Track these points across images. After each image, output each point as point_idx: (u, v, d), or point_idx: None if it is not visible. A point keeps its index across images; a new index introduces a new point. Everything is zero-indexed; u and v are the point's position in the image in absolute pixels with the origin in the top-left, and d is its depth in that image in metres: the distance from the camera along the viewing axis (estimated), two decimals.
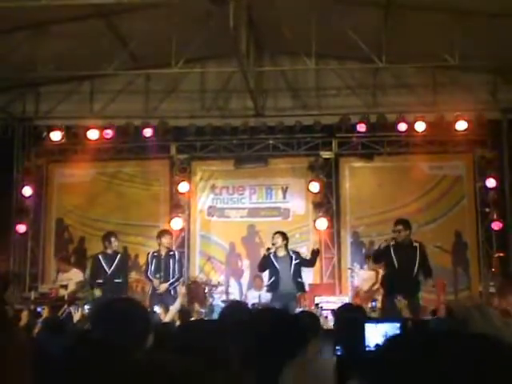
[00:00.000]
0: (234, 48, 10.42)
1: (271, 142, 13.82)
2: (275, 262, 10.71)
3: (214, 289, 13.03)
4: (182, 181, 13.76)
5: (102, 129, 13.67)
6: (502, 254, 12.75)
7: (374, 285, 11.69)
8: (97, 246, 12.50)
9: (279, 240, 10.80)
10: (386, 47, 11.20)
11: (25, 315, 8.38)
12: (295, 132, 13.65)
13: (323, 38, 11.07)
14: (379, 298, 10.52)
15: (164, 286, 11.03)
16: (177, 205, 13.81)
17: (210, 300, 12.58)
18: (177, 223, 13.52)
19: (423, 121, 13.01)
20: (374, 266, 11.81)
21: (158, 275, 11.09)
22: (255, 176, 14.02)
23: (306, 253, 11.62)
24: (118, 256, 11.43)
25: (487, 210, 13.06)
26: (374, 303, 10.02)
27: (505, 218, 13.05)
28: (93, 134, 13.65)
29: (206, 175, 14.23)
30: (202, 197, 14.19)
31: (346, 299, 11.18)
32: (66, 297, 11.37)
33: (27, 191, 13.86)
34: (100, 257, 11.35)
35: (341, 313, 4.98)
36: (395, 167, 13.76)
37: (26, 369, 2.14)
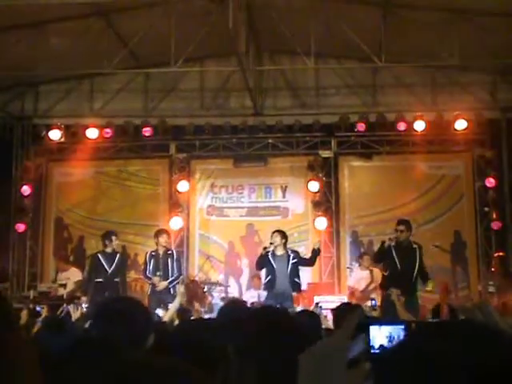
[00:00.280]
0: (233, 47, 10.42)
1: (270, 141, 13.82)
2: (272, 261, 10.66)
3: (213, 288, 13.04)
4: (181, 180, 13.76)
5: (101, 128, 13.66)
6: (501, 254, 12.76)
7: (370, 284, 11.67)
8: (96, 245, 12.51)
9: (277, 239, 10.76)
10: (386, 46, 11.20)
11: (24, 314, 8.36)
12: (294, 131, 13.65)
13: (322, 37, 11.09)
14: (378, 297, 10.50)
15: (163, 284, 11.03)
16: (176, 204, 13.80)
17: (210, 299, 12.58)
18: (176, 222, 13.52)
19: (422, 120, 13.00)
20: (369, 265, 11.80)
21: (157, 273, 11.08)
22: (254, 175, 14.02)
23: (305, 252, 11.61)
24: (118, 255, 11.41)
25: (486, 209, 13.06)
26: (374, 302, 10.01)
27: (504, 217, 13.05)
28: (92, 133, 13.64)
29: (206, 174, 14.23)
30: (201, 196, 14.19)
31: (345, 298, 11.17)
32: (64, 296, 11.38)
33: (26, 190, 13.84)
34: (100, 256, 11.31)
35: (341, 312, 4.99)
36: (394, 166, 13.76)
37: (36, 369, 2.14)
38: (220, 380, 2.27)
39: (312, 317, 5.05)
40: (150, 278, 11.19)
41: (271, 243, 10.83)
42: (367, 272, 11.91)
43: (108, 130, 13.68)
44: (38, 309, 10.18)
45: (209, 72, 13.81)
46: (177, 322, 6.58)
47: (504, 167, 13.16)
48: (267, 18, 11.44)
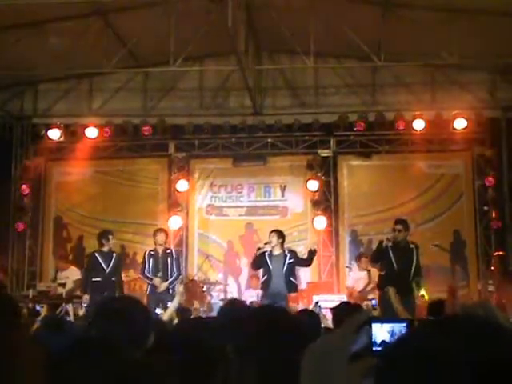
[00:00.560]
0: (232, 46, 10.42)
1: (269, 140, 13.82)
2: (268, 261, 10.59)
3: (212, 287, 13.05)
4: (181, 179, 13.75)
5: (100, 127, 13.66)
6: (500, 253, 12.76)
7: (367, 285, 11.67)
8: (95, 245, 12.49)
9: (274, 239, 10.68)
10: (385, 45, 11.20)
11: (24, 313, 8.37)
12: (293, 130, 13.65)
13: (322, 36, 11.07)
14: (376, 298, 10.49)
15: (164, 286, 11.02)
16: (175, 203, 13.80)
17: (209, 298, 12.60)
18: (175, 221, 13.52)
19: (422, 119, 12.99)
20: (366, 266, 11.80)
21: (159, 274, 11.06)
22: (253, 174, 14.02)
23: (303, 251, 11.58)
24: (115, 254, 11.36)
25: (486, 208, 13.07)
26: (373, 301, 10.01)
27: (503, 216, 13.05)
28: (91, 132, 13.64)
29: (205, 173, 14.22)
30: (200, 195, 14.19)
31: (345, 297, 11.16)
32: (64, 295, 11.38)
33: (25, 189, 13.85)
34: (97, 255, 11.27)
35: (340, 311, 4.99)
36: (394, 166, 13.75)
37: (40, 369, 2.14)
38: (220, 380, 2.27)
39: (311, 316, 5.05)
40: (149, 278, 11.15)
41: (266, 243, 10.79)
42: (365, 273, 11.91)
43: (107, 130, 13.68)
44: (37, 308, 10.20)
45: (208, 71, 13.81)
46: (176, 321, 6.58)
47: (504, 166, 13.16)
48: (266, 17, 11.44)
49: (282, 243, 10.76)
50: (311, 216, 13.64)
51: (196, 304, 11.87)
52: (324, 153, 13.79)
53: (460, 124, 12.92)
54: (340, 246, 13.72)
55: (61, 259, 13.19)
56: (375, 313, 9.61)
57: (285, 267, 10.54)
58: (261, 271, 10.94)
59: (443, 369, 1.02)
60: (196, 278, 13.07)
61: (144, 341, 2.65)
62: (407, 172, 13.52)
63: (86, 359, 1.86)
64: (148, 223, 13.63)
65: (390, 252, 9.76)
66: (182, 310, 7.79)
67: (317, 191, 13.50)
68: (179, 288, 11.43)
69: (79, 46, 11.35)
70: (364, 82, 13.58)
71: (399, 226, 9.87)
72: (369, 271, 11.70)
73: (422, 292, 10.84)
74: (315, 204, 13.60)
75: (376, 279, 11.00)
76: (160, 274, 11.07)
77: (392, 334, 2.31)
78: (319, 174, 13.57)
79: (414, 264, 9.72)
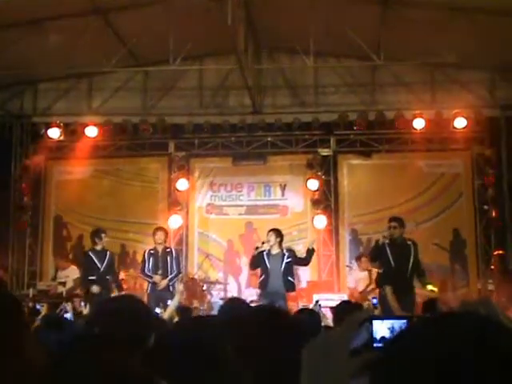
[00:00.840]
0: (232, 45, 10.42)
1: (269, 139, 13.82)
2: (266, 260, 10.58)
3: (212, 286, 13.05)
4: (181, 178, 13.75)
5: (100, 126, 13.67)
6: (500, 252, 12.76)
7: (368, 285, 11.67)
8: None
9: (272, 238, 10.67)
10: (384, 45, 11.21)
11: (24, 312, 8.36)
12: (293, 129, 13.64)
13: (321, 35, 11.08)
14: (377, 296, 10.50)
15: (165, 283, 11.01)
16: (175, 202, 13.80)
17: (209, 297, 12.60)
18: (175, 221, 13.52)
19: (421, 118, 12.99)
20: (367, 266, 11.80)
21: (159, 272, 11.06)
22: (253, 173, 14.02)
23: (303, 250, 11.58)
24: (108, 253, 11.30)
25: (485, 207, 13.06)
26: (375, 300, 10.00)
27: (503, 215, 13.05)
28: (91, 131, 13.64)
29: (205, 172, 14.23)
30: (200, 194, 14.19)
31: (345, 296, 11.16)
32: (64, 294, 11.38)
33: (25, 188, 13.86)
34: (91, 253, 11.23)
35: (341, 310, 4.99)
36: (393, 165, 13.75)
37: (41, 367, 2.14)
38: (219, 379, 2.27)
39: (312, 315, 5.05)
40: (149, 276, 11.16)
41: (263, 242, 10.79)
42: (365, 273, 11.91)
43: (107, 129, 13.69)
44: (37, 307, 10.19)
45: (208, 70, 13.81)
46: (176, 319, 6.58)
47: (503, 165, 13.15)
48: (266, 16, 11.45)
49: (281, 242, 10.75)
50: (311, 215, 13.63)
51: (195, 303, 11.87)
52: (324, 152, 13.80)
53: (460, 123, 12.92)
54: (340, 245, 13.72)
55: (61, 258, 13.20)
56: (376, 312, 9.60)
57: (283, 266, 10.53)
58: (259, 270, 10.94)
59: (442, 365, 1.03)
60: (196, 277, 13.07)
61: (145, 340, 2.65)
62: (407, 171, 13.50)
63: (85, 358, 1.86)
64: (148, 222, 13.62)
65: (387, 249, 9.76)
66: (183, 309, 7.79)
67: (317, 190, 13.50)
68: (179, 287, 11.43)
69: (79, 45, 11.34)
70: (364, 81, 13.58)
71: (394, 223, 9.87)
72: (369, 271, 11.69)
73: (430, 287, 10.81)
74: (315, 203, 13.60)
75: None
76: (160, 273, 11.06)
77: (392, 330, 2.32)
78: (319, 173, 13.56)
79: (411, 260, 9.72)
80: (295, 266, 11.05)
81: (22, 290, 12.79)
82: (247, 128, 13.73)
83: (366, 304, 10.28)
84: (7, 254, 13.80)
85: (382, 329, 2.33)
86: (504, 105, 13.23)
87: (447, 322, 1.09)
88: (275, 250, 10.65)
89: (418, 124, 13.01)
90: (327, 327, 5.66)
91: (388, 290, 9.28)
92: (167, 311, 7.04)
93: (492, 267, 12.71)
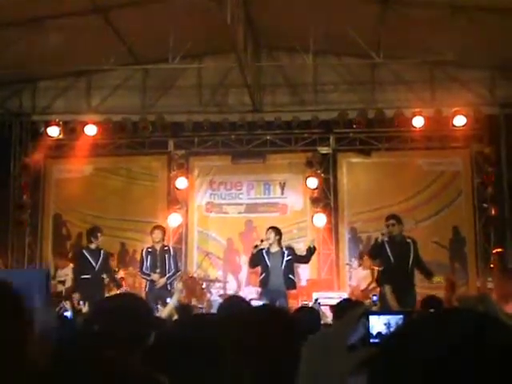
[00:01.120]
0: (231, 43, 10.41)
1: (269, 137, 13.82)
2: (266, 258, 10.57)
3: (211, 284, 13.05)
4: (180, 176, 13.74)
5: (99, 124, 13.67)
6: (500, 250, 12.77)
7: (370, 283, 11.67)
8: None
9: (271, 236, 10.64)
10: (384, 43, 11.21)
11: None
12: (293, 127, 13.64)
13: (321, 33, 11.07)
14: (378, 294, 10.51)
15: (163, 281, 11.00)
16: (174, 200, 13.80)
17: (208, 296, 12.59)
18: (174, 219, 13.52)
19: (421, 116, 12.99)
20: (370, 265, 11.80)
21: (157, 271, 11.04)
22: (253, 172, 14.02)
23: (303, 248, 11.57)
24: (102, 251, 11.21)
25: (485, 205, 13.06)
26: (375, 297, 10.00)
27: (503, 213, 13.05)
28: (90, 130, 13.64)
29: (204, 171, 14.22)
30: (199, 192, 14.19)
31: (345, 295, 11.15)
32: (63, 292, 11.37)
33: (25, 187, 13.85)
34: (85, 252, 11.18)
35: (341, 308, 4.99)
36: (393, 163, 13.75)
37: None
38: (219, 377, 2.27)
39: (311, 312, 5.05)
40: (147, 275, 11.13)
41: (262, 240, 10.78)
42: (368, 271, 11.91)
43: (106, 127, 13.68)
44: None
45: (207, 68, 13.80)
46: (175, 318, 6.58)
47: (502, 163, 13.16)
48: (265, 14, 11.44)
49: (280, 240, 10.73)
50: (311, 213, 13.63)
51: (194, 301, 11.87)
52: (323, 150, 13.80)
53: (459, 121, 12.92)
54: (340, 243, 13.72)
55: (60, 257, 13.19)
56: (375, 308, 9.61)
57: (283, 264, 10.51)
58: (259, 268, 10.92)
59: (440, 361, 1.03)
60: (195, 276, 13.08)
61: (145, 338, 2.65)
62: (406, 169, 13.51)
63: (85, 358, 1.85)
64: (147, 221, 13.61)
65: (387, 247, 9.76)
66: (183, 307, 7.79)
67: (316, 188, 13.50)
68: (178, 285, 11.42)
69: (78, 44, 11.35)
70: (363, 80, 13.57)
71: (392, 221, 9.86)
72: (372, 270, 11.68)
73: (437, 279, 10.77)
74: (315, 201, 13.60)
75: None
76: (158, 271, 11.04)
77: (388, 326, 2.33)
78: (319, 172, 13.56)
79: (411, 258, 9.72)
80: (295, 264, 11.05)
81: None
82: (247, 126, 13.73)
83: (367, 302, 10.28)
84: (6, 253, 13.79)
85: (378, 324, 2.34)
86: (503, 103, 13.25)
87: (446, 318, 1.09)
88: (275, 248, 10.64)
89: (418, 122, 13.01)
90: (327, 325, 5.66)
91: (387, 289, 9.29)
92: (166, 309, 7.04)
93: (491, 265, 12.71)
